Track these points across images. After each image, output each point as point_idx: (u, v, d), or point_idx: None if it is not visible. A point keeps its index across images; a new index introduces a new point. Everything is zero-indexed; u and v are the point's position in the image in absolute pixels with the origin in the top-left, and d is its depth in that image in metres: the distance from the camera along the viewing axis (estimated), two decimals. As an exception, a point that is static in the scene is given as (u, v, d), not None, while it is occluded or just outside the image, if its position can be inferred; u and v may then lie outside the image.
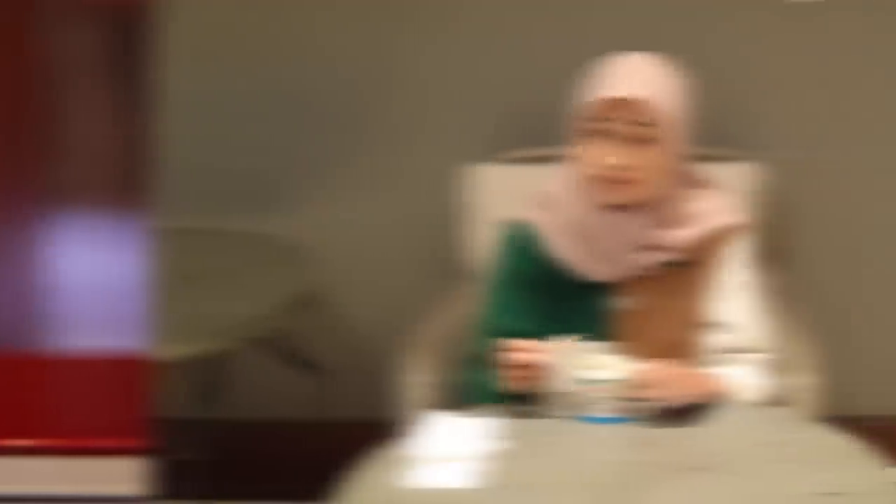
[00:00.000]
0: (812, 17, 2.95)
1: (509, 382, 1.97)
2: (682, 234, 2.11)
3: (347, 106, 3.08)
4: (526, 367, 1.95)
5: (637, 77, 2.04)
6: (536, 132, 3.04)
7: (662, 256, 2.11)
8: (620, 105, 2.02)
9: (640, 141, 2.02)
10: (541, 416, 1.92)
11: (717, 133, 3.03)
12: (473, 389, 2.12)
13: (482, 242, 2.87)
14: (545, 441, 1.82)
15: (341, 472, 1.83)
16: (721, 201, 2.17)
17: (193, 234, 3.04)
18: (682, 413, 1.91)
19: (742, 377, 2.09)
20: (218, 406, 2.67)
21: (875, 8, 2.95)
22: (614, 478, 1.70)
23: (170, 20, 3.08)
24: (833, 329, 3.09)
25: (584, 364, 1.91)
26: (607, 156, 2.02)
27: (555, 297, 2.11)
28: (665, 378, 1.93)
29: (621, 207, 2.08)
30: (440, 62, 3.04)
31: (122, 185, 2.74)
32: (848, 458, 1.75)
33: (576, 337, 2.10)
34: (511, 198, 2.72)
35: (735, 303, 2.13)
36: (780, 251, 3.05)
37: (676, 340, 2.09)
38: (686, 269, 2.13)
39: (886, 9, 2.95)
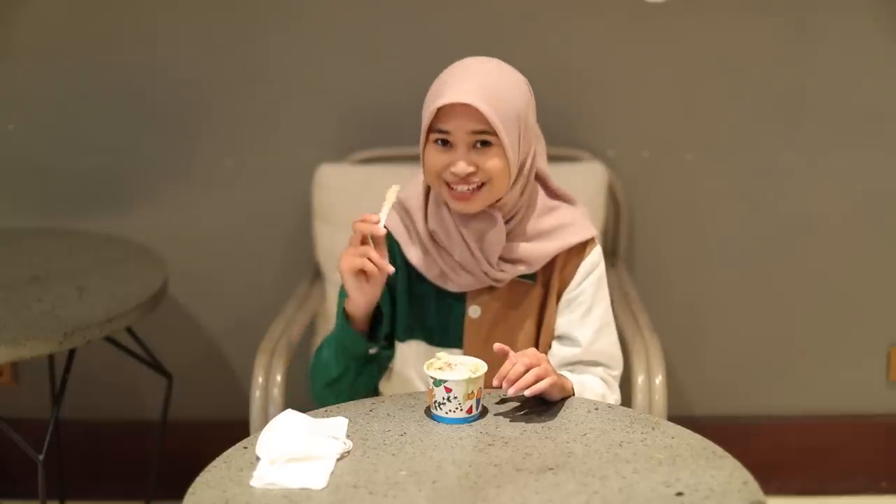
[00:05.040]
0: (659, 17, 3.00)
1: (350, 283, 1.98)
2: (539, 250, 2.12)
3: (195, 106, 3.06)
4: (363, 248, 1.96)
5: (469, 83, 1.99)
6: (386, 132, 3.06)
7: (516, 271, 2.12)
8: (457, 113, 1.99)
9: (481, 146, 2.01)
10: (388, 414, 1.93)
11: (563, 133, 3.10)
12: (319, 360, 2.12)
13: (333, 241, 2.88)
14: (392, 441, 1.84)
15: (189, 472, 1.84)
16: (577, 215, 2.17)
17: (43, 235, 3.00)
18: (533, 412, 1.94)
19: (590, 385, 2.11)
20: (66, 405, 2.64)
21: (720, 9, 3.00)
22: (460, 478, 1.72)
23: (10, 19, 3.04)
24: (677, 329, 3.18)
25: (433, 365, 1.93)
26: (450, 163, 2.03)
27: (407, 298, 2.10)
28: (542, 359, 1.95)
29: (476, 217, 2.10)
30: (288, 63, 3.03)
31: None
32: (697, 457, 1.78)
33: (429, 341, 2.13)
34: (362, 197, 2.73)
35: (584, 317, 2.15)
36: (625, 251, 3.11)
37: (520, 350, 2.10)
38: (536, 282, 2.15)
39: (730, 10, 3.00)
